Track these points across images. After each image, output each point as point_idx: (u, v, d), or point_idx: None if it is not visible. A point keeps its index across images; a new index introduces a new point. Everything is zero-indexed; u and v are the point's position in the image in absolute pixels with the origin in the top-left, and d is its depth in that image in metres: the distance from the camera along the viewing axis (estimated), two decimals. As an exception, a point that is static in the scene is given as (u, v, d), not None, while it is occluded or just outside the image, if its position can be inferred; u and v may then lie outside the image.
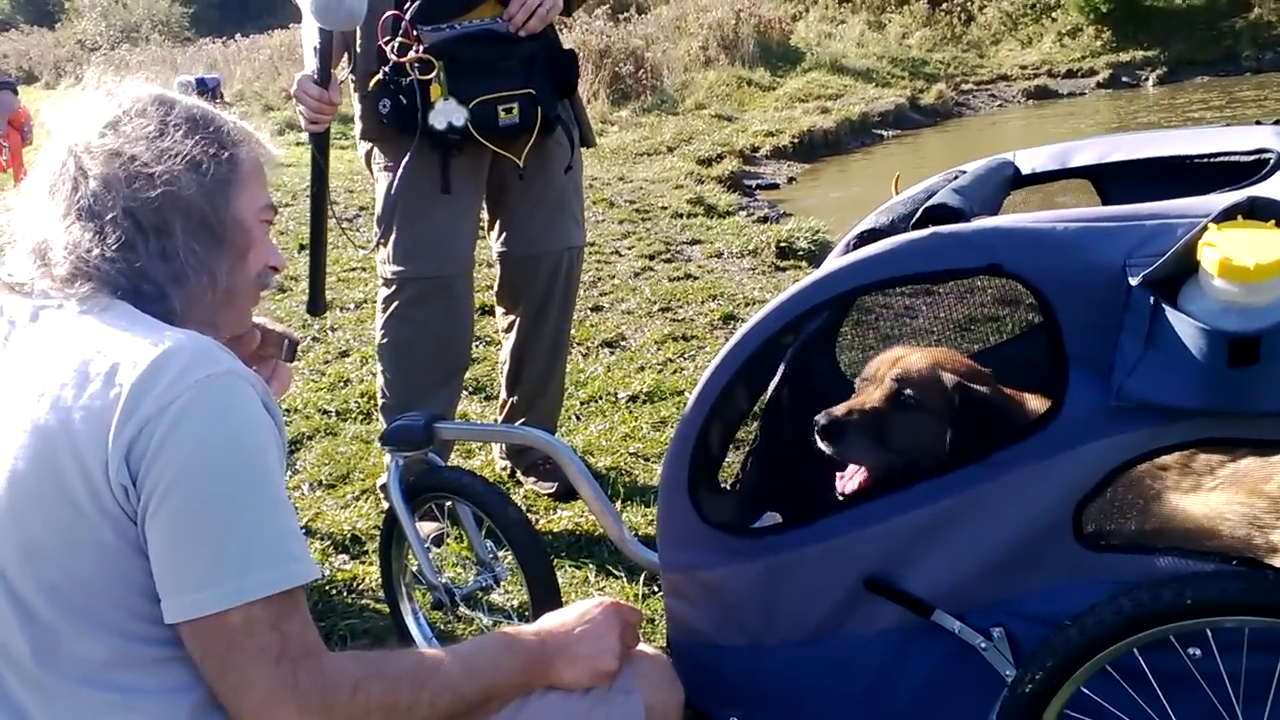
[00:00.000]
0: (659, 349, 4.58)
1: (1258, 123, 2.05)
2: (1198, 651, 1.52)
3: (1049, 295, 1.55)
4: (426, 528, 2.87)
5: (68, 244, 1.42)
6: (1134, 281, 1.46)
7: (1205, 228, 1.41)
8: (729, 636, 1.81)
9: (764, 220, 8.12)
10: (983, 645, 1.64)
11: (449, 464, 2.80)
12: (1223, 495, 1.80)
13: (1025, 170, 2.12)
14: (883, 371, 1.93)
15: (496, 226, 3.24)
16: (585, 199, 3.38)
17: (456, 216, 3.01)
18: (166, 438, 1.30)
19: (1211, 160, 1.93)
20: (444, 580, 2.27)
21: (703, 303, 5.25)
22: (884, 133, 13.65)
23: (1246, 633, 1.46)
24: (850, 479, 1.91)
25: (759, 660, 1.80)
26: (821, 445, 1.87)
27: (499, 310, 3.44)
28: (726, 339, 4.70)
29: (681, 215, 7.76)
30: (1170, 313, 1.43)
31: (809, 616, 1.74)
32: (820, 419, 1.86)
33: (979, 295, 2.17)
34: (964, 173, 2.09)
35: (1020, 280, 1.57)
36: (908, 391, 1.87)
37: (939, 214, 1.71)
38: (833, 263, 1.68)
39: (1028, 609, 1.63)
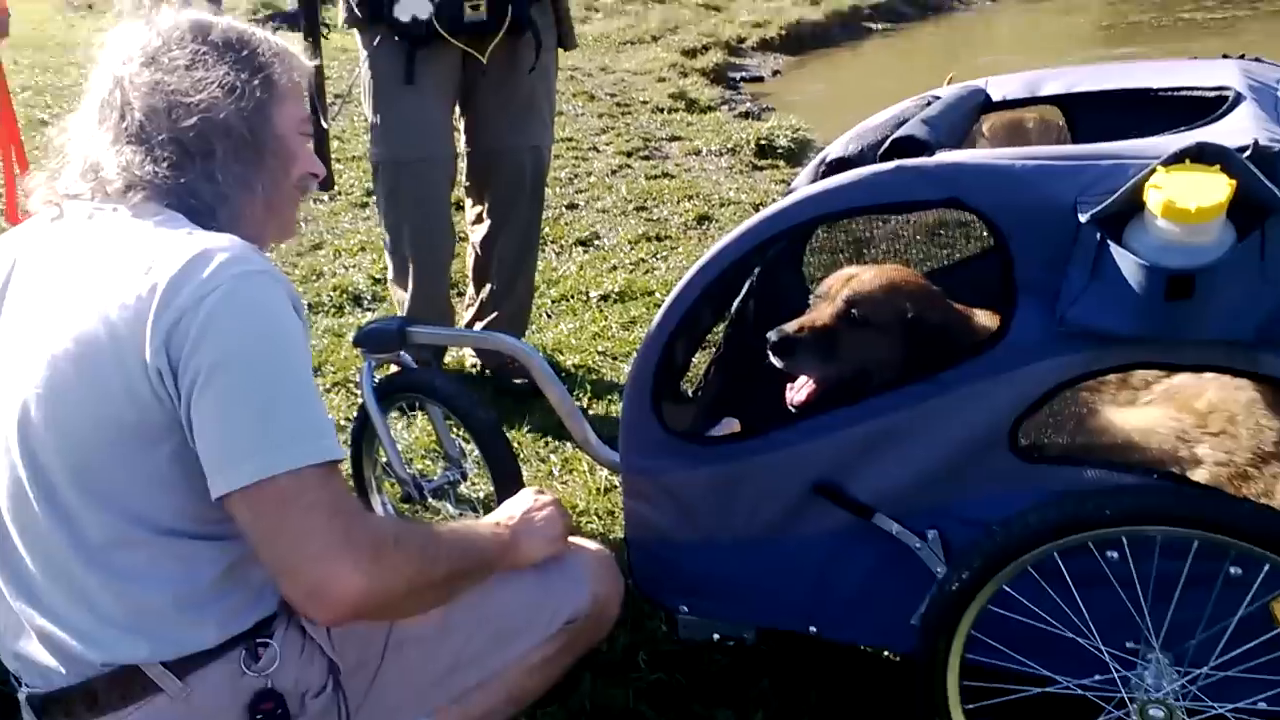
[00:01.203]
0: (632, 248, 4.62)
1: (1224, 56, 2.10)
2: (1115, 555, 1.63)
3: (1003, 228, 1.62)
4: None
5: (119, 164, 1.50)
6: (1084, 218, 1.53)
7: (1153, 170, 1.47)
8: (684, 534, 1.91)
9: (746, 116, 8.09)
10: (918, 546, 1.75)
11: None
12: (1156, 410, 1.91)
13: (996, 97, 2.16)
14: (835, 289, 2.00)
15: (464, 123, 3.30)
16: (565, 91, 3.43)
17: (424, 107, 3.10)
18: (206, 326, 1.36)
19: (1175, 94, 1.97)
20: (413, 473, 2.36)
21: (678, 202, 5.28)
22: (874, 26, 13.48)
23: (1158, 540, 1.57)
24: (799, 390, 1.99)
25: (711, 556, 1.90)
26: (773, 360, 1.95)
27: (466, 205, 3.49)
28: (700, 240, 4.77)
29: (662, 110, 7.72)
30: (1115, 248, 1.50)
31: (760, 517, 1.85)
32: (772, 335, 1.94)
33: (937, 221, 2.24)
34: (937, 99, 2.13)
35: (978, 213, 1.64)
36: (856, 310, 1.94)
37: (906, 145, 1.76)
38: (801, 191, 1.73)
39: (962, 514, 1.74)
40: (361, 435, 2.43)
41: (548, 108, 3.29)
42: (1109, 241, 1.51)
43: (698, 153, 6.50)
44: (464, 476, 2.44)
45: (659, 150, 6.62)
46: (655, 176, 5.82)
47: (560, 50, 3.30)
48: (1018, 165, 1.60)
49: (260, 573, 1.50)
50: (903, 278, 2.02)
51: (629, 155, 6.35)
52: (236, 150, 1.54)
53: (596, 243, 4.77)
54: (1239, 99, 1.77)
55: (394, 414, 2.99)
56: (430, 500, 2.44)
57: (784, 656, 2.18)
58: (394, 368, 2.37)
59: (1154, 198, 1.45)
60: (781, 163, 6.26)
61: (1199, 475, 1.75)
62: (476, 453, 2.35)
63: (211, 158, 1.52)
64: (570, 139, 6.67)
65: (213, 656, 1.47)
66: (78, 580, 1.44)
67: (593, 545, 1.89)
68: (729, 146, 6.55)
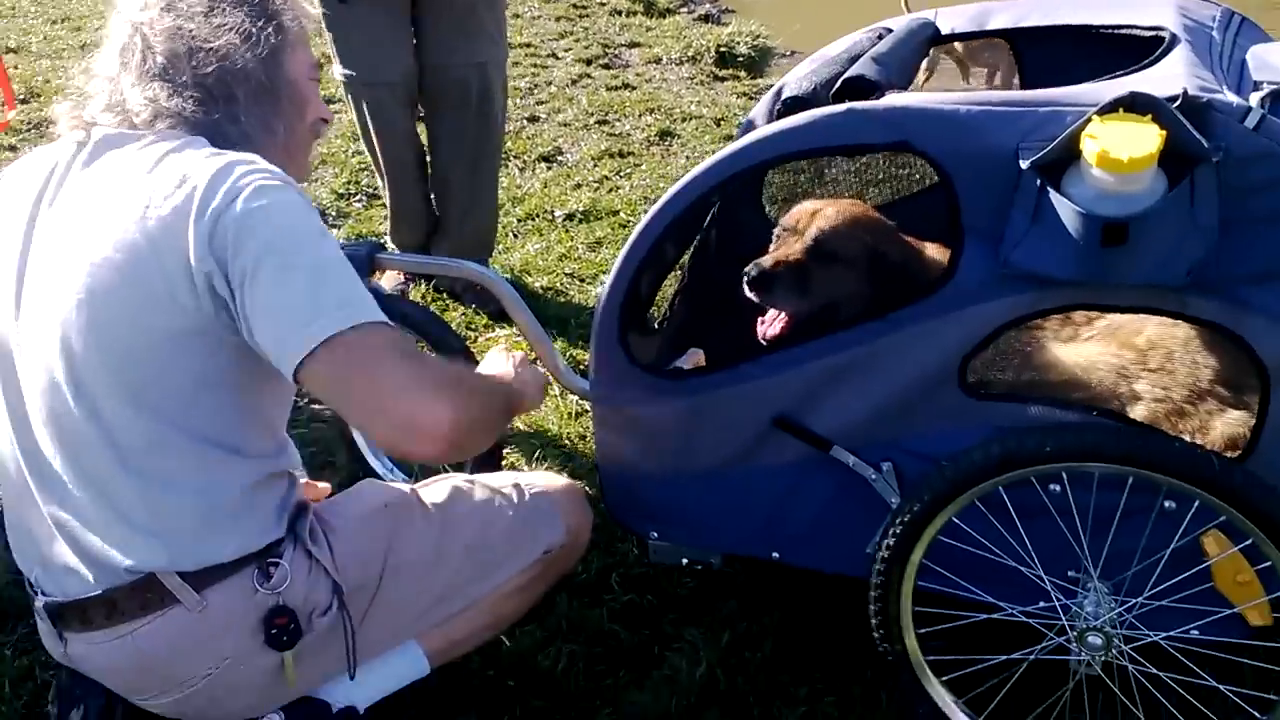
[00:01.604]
0: (595, 165, 4.64)
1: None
2: (1057, 488, 1.73)
3: (950, 171, 1.69)
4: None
5: (146, 97, 1.60)
6: (1024, 164, 1.60)
7: (1089, 119, 1.55)
8: (651, 463, 2.00)
9: (705, 20, 7.98)
10: (873, 477, 1.85)
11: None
12: (1097, 346, 2.01)
13: (945, 30, 2.22)
14: (803, 224, 2.07)
15: (413, 41, 3.30)
16: None
17: (366, 26, 3.17)
18: (243, 222, 1.47)
19: (1115, 31, 2.04)
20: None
21: (640, 116, 5.28)
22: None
23: (1096, 475, 1.68)
24: (771, 324, 2.06)
25: (677, 485, 2.00)
26: (750, 294, 2.02)
27: (424, 124, 3.52)
28: (663, 158, 4.78)
29: (620, 13, 7.59)
30: (1054, 195, 1.58)
31: (723, 448, 1.94)
32: (750, 270, 2.01)
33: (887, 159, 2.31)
34: (889, 31, 2.19)
35: (925, 157, 1.71)
36: (826, 245, 2.02)
37: (857, 85, 1.82)
38: (757, 132, 1.79)
39: (915, 447, 1.84)
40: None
41: (493, 22, 3.30)
42: (1048, 188, 1.59)
43: (658, 61, 6.44)
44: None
45: (619, 58, 6.57)
46: (616, 88, 5.78)
47: None
48: (963, 110, 1.67)
49: (275, 496, 1.64)
50: (864, 212, 2.10)
51: (589, 64, 6.29)
52: (256, 95, 1.64)
53: (559, 158, 4.78)
54: (1174, 41, 1.83)
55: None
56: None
57: (752, 580, 2.30)
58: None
59: (1089, 147, 1.52)
60: (742, 73, 6.23)
61: (1138, 411, 1.86)
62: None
63: (234, 101, 1.62)
64: (529, 44, 6.59)
65: (228, 572, 1.58)
66: (110, 484, 1.54)
67: (562, 479, 2.01)
68: (689, 54, 6.48)
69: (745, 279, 2.01)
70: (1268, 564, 1.65)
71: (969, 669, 1.87)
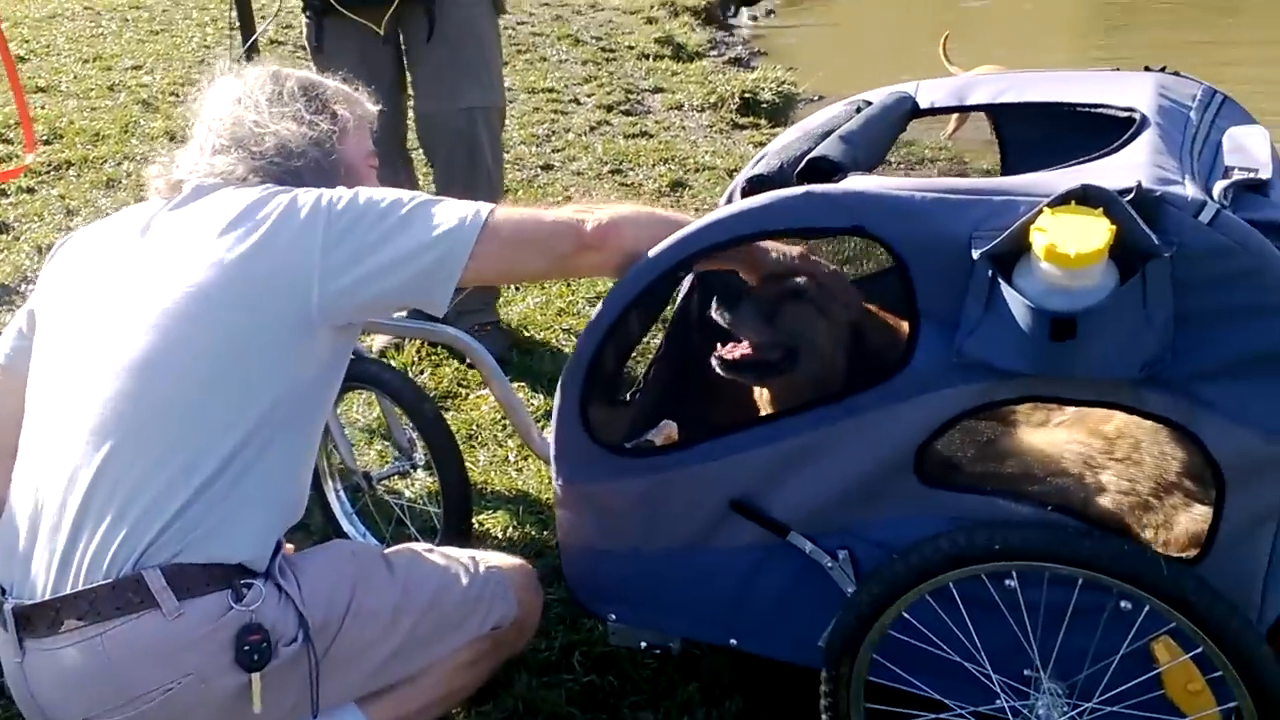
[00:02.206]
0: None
1: (1146, 69, 2.13)
2: (1012, 584, 1.68)
3: (904, 256, 1.66)
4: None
5: (225, 163, 1.84)
6: (976, 254, 1.57)
7: (1039, 211, 1.51)
8: (610, 543, 1.97)
9: (735, 63, 8.05)
10: (829, 565, 1.81)
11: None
12: (1065, 433, 1.96)
13: (924, 104, 2.19)
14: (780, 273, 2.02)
15: (399, 92, 3.43)
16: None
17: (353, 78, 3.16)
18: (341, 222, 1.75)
19: (1092, 110, 2.00)
20: (362, 468, 2.44)
21: (654, 165, 5.29)
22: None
23: (1046, 574, 1.64)
24: (732, 349, 2.01)
25: (636, 565, 1.97)
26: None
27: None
28: (672, 207, 4.80)
29: (648, 56, 7.65)
30: (1004, 287, 1.55)
31: (681, 529, 1.91)
32: (714, 362, 1.99)
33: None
34: (868, 104, 2.17)
35: (880, 241, 1.68)
36: (803, 285, 1.98)
37: (820, 166, 1.80)
38: (714, 213, 1.78)
39: (871, 535, 1.80)
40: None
41: (483, 66, 3.36)
42: (999, 279, 1.56)
43: (679, 107, 6.47)
44: (414, 467, 2.52)
45: (641, 104, 6.61)
46: (633, 135, 5.81)
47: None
48: (917, 197, 1.64)
49: (286, 517, 1.79)
50: (840, 280, 2.08)
51: (609, 110, 6.33)
52: (314, 172, 1.85)
53: (568, 209, 4.79)
54: (1144, 124, 1.79)
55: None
56: (378, 490, 2.53)
57: (715, 665, 2.26)
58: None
59: (1038, 240, 1.49)
60: (763, 121, 6.24)
61: (1103, 502, 1.80)
62: (425, 448, 2.43)
63: (299, 176, 1.84)
64: (551, 90, 6.64)
65: (210, 586, 1.62)
66: (164, 470, 1.63)
67: (516, 560, 2.04)
68: (712, 101, 6.51)
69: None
70: (1219, 674, 1.59)
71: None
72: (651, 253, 1.81)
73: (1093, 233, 1.47)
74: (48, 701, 1.65)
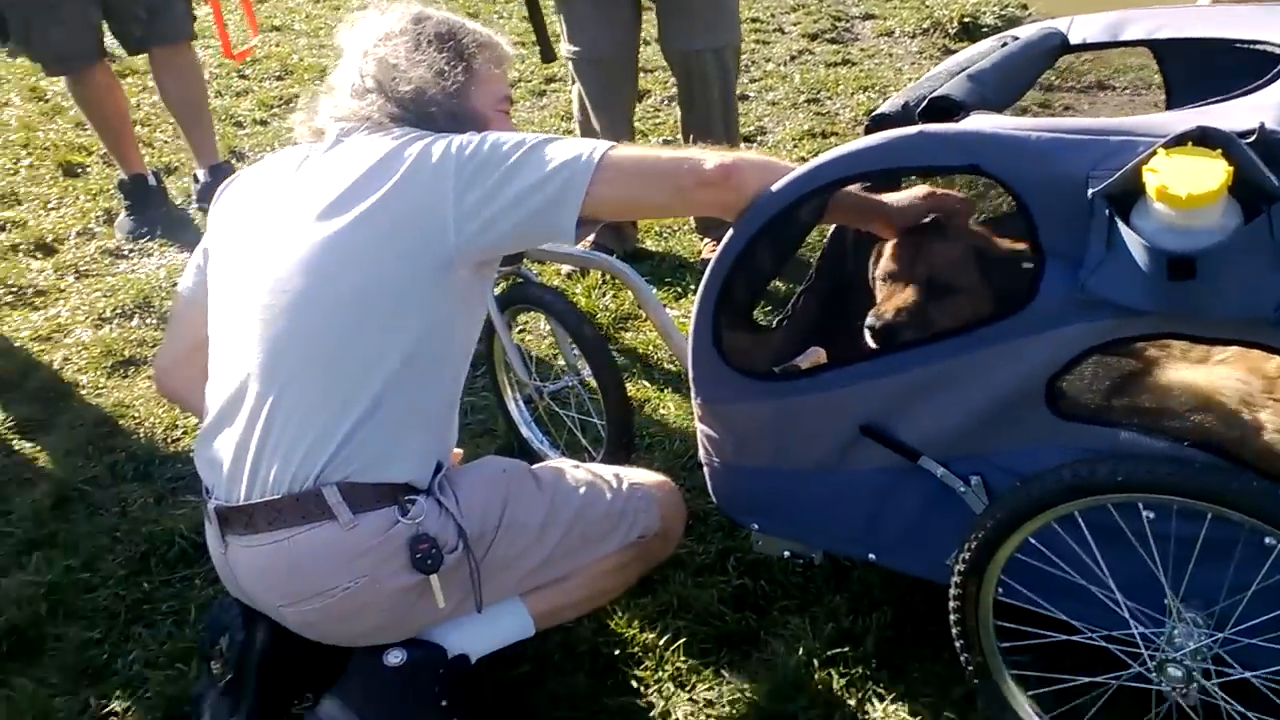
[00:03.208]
0: (795, 145, 4.69)
1: (1320, -1, 2.05)
2: (1152, 515, 1.72)
3: (1023, 195, 1.69)
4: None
5: (363, 105, 1.98)
6: (1090, 193, 1.60)
7: (1154, 152, 1.53)
8: (746, 460, 2.10)
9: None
10: (962, 489, 1.88)
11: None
12: (1225, 370, 1.94)
13: (1075, 39, 2.17)
14: (907, 266, 2.06)
15: (638, 21, 3.61)
16: None
17: (596, 4, 3.45)
18: (476, 158, 1.86)
19: (1250, 46, 1.96)
20: (534, 380, 2.66)
21: (852, 94, 5.26)
22: None
23: (1174, 507, 1.67)
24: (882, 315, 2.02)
25: (773, 481, 2.09)
26: (874, 346, 2.02)
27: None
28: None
29: (866, -19, 7.46)
30: (1121, 225, 1.58)
31: (814, 451, 2.01)
32: (871, 322, 2.02)
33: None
34: (1015, 39, 2.17)
35: (998, 180, 1.72)
36: (939, 280, 2.03)
37: (942, 105, 1.85)
38: (828, 153, 1.84)
39: (1003, 463, 1.85)
40: (491, 341, 2.74)
41: (722, 4, 3.49)
42: (1116, 218, 1.59)
43: (890, 34, 6.32)
44: (581, 383, 2.72)
45: (848, 31, 6.50)
46: (834, 64, 5.76)
47: None
48: (1034, 136, 1.66)
49: (447, 437, 1.98)
50: (959, 226, 2.08)
51: (813, 38, 6.27)
52: (447, 118, 1.98)
53: (760, 138, 4.85)
54: (1290, 63, 1.76)
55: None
56: (550, 403, 2.75)
57: (864, 576, 2.36)
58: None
59: (1150, 180, 1.49)
60: (981, 45, 6.04)
61: (1261, 440, 1.79)
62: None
63: (432, 119, 1.97)
64: (756, 20, 6.63)
65: (380, 502, 1.83)
66: (335, 396, 1.83)
67: (660, 477, 2.18)
68: (925, 26, 6.32)
69: (867, 331, 2.03)
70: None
71: (1053, 687, 1.88)
72: (774, 187, 1.87)
73: (1207, 174, 1.48)
74: (248, 587, 1.92)
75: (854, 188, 2.08)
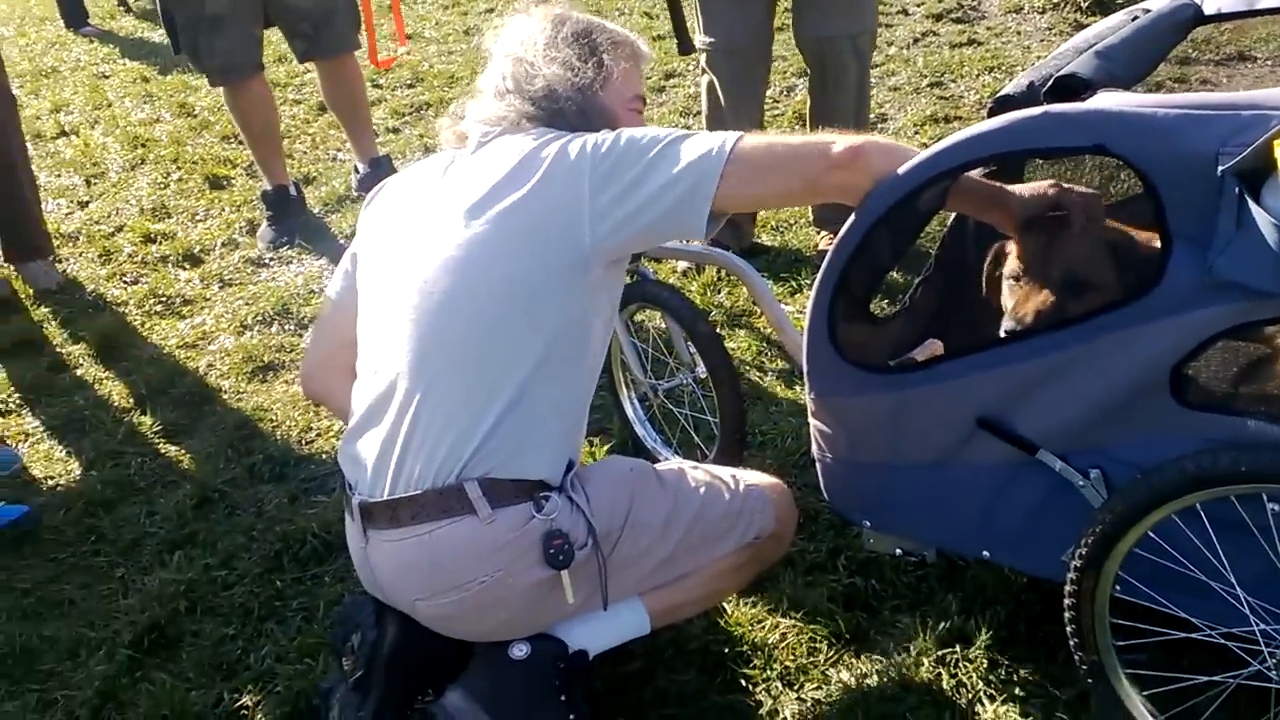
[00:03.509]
0: (918, 131, 4.58)
1: None
2: (1276, 507, 1.63)
3: (1151, 175, 1.62)
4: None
5: (505, 106, 2.04)
6: (1220, 170, 1.52)
7: (1284, 127, 1.44)
8: (860, 454, 2.06)
9: (1091, -45, 7.45)
10: (1081, 484, 1.82)
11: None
12: (1360, 359, 1.83)
13: (1210, 10, 2.07)
14: (1040, 267, 1.97)
15: (772, 11, 3.59)
16: None
17: None
18: (610, 157, 1.89)
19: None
20: (649, 379, 2.66)
21: (977, 76, 5.11)
22: None
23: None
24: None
25: (887, 476, 2.04)
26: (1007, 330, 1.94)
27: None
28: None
29: (989, -44, 7.27)
30: (1251, 204, 1.49)
31: (929, 445, 1.97)
32: (1011, 326, 1.94)
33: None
34: (1146, 11, 2.08)
35: (1125, 160, 1.64)
36: (1077, 277, 1.94)
37: (1068, 84, 1.78)
38: (952, 136, 1.80)
39: (1125, 455, 1.78)
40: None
41: None
42: (1246, 196, 1.50)
43: (1018, 10, 6.14)
44: (696, 381, 2.71)
45: (975, 9, 6.33)
46: (959, 44, 5.61)
47: None
48: (1160, 114, 1.59)
49: (579, 435, 2.01)
50: (1088, 219, 1.98)
51: (938, 19, 6.12)
52: (578, 114, 2.02)
53: (882, 126, 4.75)
54: None
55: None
56: (664, 401, 2.74)
57: (981, 577, 2.31)
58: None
59: (1280, 156, 1.43)
60: (1111, 19, 5.81)
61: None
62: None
63: (562, 116, 2.01)
64: (880, 2, 6.50)
65: (517, 497, 1.86)
66: (480, 395, 1.87)
67: (773, 479, 2.17)
68: (1055, 1, 6.14)
69: (1005, 335, 1.94)
70: None
71: (1168, 686, 1.81)
72: (898, 171, 1.84)
73: (1343, 147, 1.39)
74: (386, 582, 1.97)
75: (976, 174, 2.04)
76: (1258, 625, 1.69)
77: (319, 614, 2.50)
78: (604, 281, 1.97)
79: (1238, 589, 1.69)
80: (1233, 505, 1.65)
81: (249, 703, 2.29)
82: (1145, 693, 1.84)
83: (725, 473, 2.13)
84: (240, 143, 5.77)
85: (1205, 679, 1.78)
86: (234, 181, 5.34)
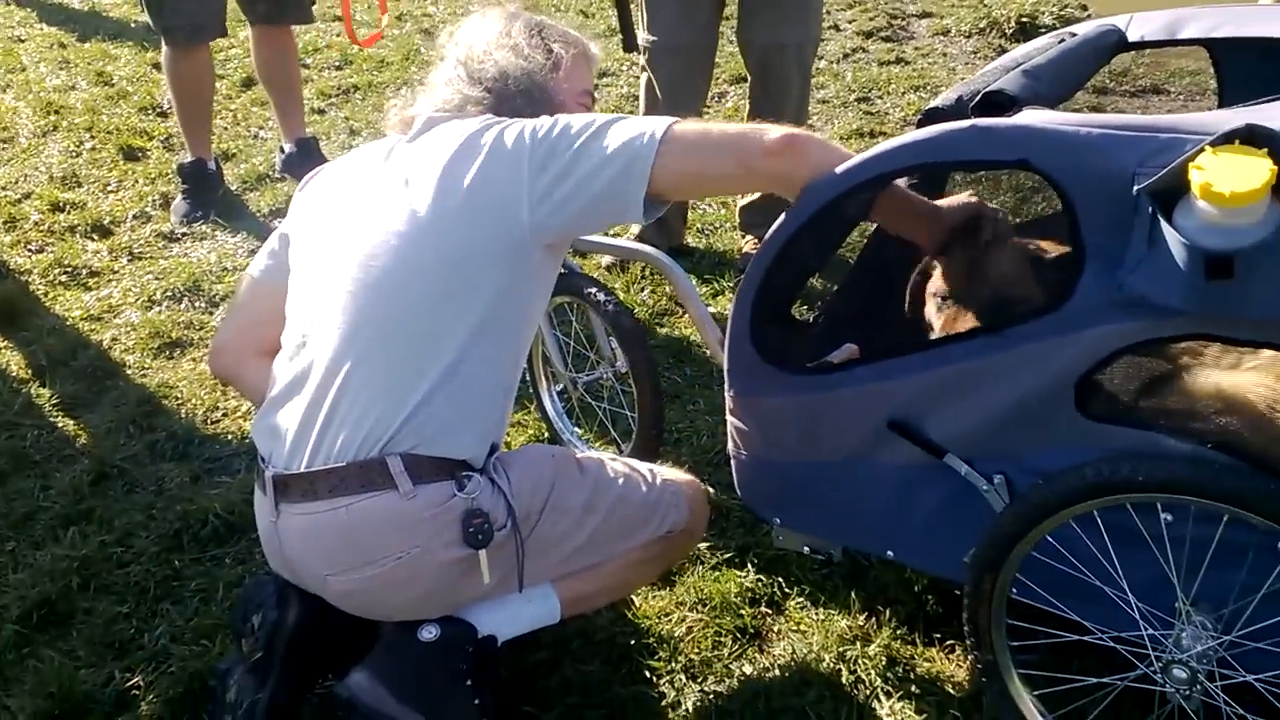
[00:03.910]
0: (844, 144, 4.64)
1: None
2: (1170, 517, 1.70)
3: (1070, 192, 1.66)
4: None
5: (452, 90, 2.09)
6: (1136, 190, 1.57)
7: (1201, 149, 1.49)
8: (774, 453, 2.09)
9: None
10: (985, 488, 1.86)
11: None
12: (1255, 375, 1.90)
13: (1134, 37, 2.13)
14: (966, 285, 2.02)
15: (719, 14, 3.57)
16: None
17: None
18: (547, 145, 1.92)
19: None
20: (570, 371, 2.66)
21: (903, 94, 5.20)
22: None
23: (1193, 509, 1.64)
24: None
25: (799, 475, 2.08)
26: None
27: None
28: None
29: (923, -22, 7.40)
30: (1163, 223, 1.54)
31: (841, 445, 2.00)
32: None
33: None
34: (1073, 35, 2.13)
35: (1045, 176, 1.69)
36: (1003, 295, 1.99)
37: (995, 100, 1.82)
38: (880, 145, 1.83)
39: (1029, 462, 1.83)
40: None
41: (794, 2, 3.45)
42: (1159, 216, 1.55)
43: (946, 33, 6.27)
44: (615, 376, 2.71)
45: (904, 30, 6.44)
46: (888, 62, 5.71)
47: None
48: (1083, 132, 1.64)
49: (505, 413, 2.02)
50: (1010, 239, 2.05)
51: (869, 35, 6.22)
52: (525, 97, 2.07)
53: (809, 137, 4.81)
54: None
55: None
56: (583, 394, 2.74)
57: (884, 577, 2.36)
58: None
59: (1196, 178, 1.47)
60: (1033, 46, 5.97)
61: (1280, 448, 1.76)
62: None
63: (511, 100, 2.06)
64: (815, 17, 6.59)
65: (440, 475, 1.86)
66: (407, 370, 1.87)
67: (688, 475, 2.20)
68: (982, 25, 6.27)
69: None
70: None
71: (1059, 687, 1.87)
72: (830, 172, 1.86)
73: (1252, 172, 1.44)
74: (295, 557, 1.94)
75: (901, 183, 2.06)
76: (1146, 630, 1.76)
77: (218, 595, 2.45)
78: (541, 266, 1.98)
79: (1129, 595, 1.75)
80: (1129, 514, 1.71)
81: (141, 683, 2.23)
82: (1036, 692, 1.89)
83: (643, 466, 2.15)
84: (160, 114, 5.64)
85: (1094, 680, 1.84)
86: (150, 153, 5.20)
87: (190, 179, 4.56)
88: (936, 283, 2.08)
